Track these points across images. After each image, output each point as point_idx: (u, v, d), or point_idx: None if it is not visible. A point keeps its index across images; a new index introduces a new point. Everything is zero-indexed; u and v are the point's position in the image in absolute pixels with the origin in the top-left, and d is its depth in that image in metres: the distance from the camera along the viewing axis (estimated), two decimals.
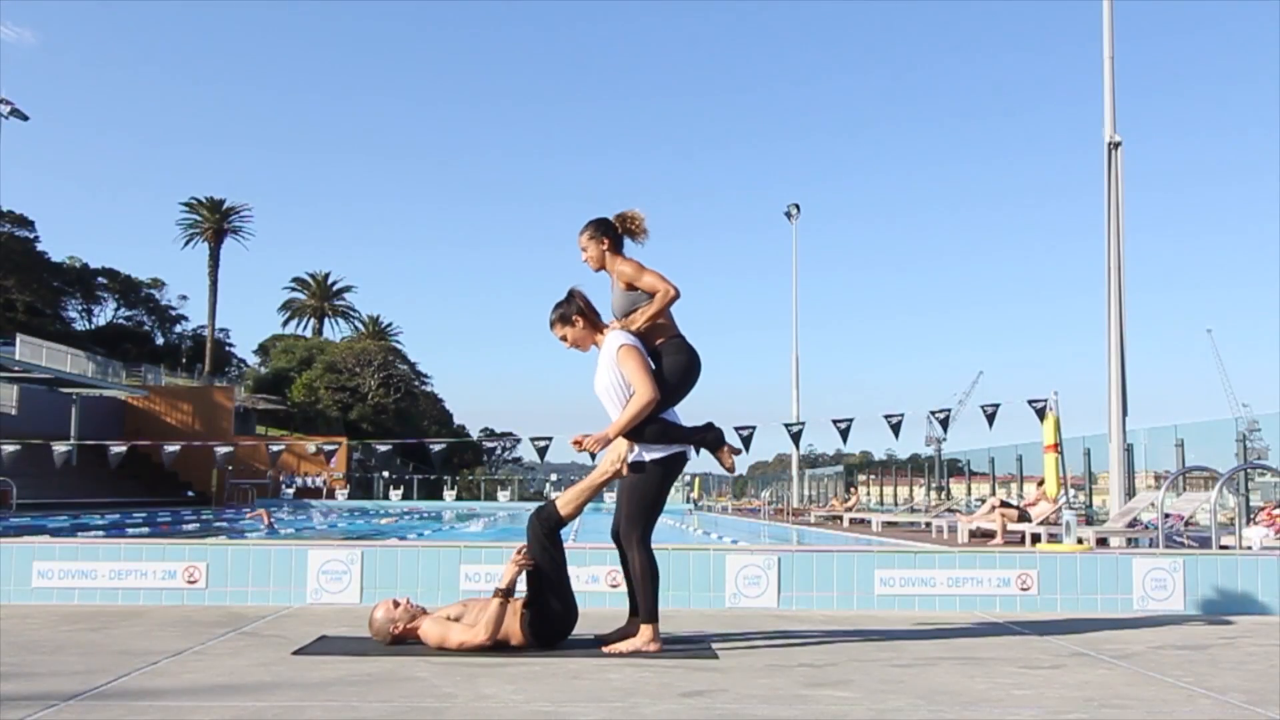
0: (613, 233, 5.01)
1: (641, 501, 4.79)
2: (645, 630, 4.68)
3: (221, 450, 25.03)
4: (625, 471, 4.82)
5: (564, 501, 4.83)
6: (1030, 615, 6.19)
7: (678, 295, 4.87)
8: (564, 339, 4.94)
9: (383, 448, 21.84)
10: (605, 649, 4.62)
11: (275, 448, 27.26)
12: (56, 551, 6.41)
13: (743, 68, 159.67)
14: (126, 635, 5.03)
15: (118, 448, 21.18)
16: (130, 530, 16.62)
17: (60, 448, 23.11)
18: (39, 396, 37.80)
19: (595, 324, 4.93)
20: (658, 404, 4.70)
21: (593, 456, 4.79)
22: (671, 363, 4.84)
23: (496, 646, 4.60)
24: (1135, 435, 18.11)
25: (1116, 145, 13.58)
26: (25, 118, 36.13)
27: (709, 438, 4.93)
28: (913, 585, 6.43)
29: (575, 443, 4.79)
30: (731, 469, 5.10)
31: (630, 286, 4.90)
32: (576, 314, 4.90)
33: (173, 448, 22.05)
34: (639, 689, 3.80)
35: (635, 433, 4.73)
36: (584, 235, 5.01)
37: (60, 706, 3.38)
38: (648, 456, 4.77)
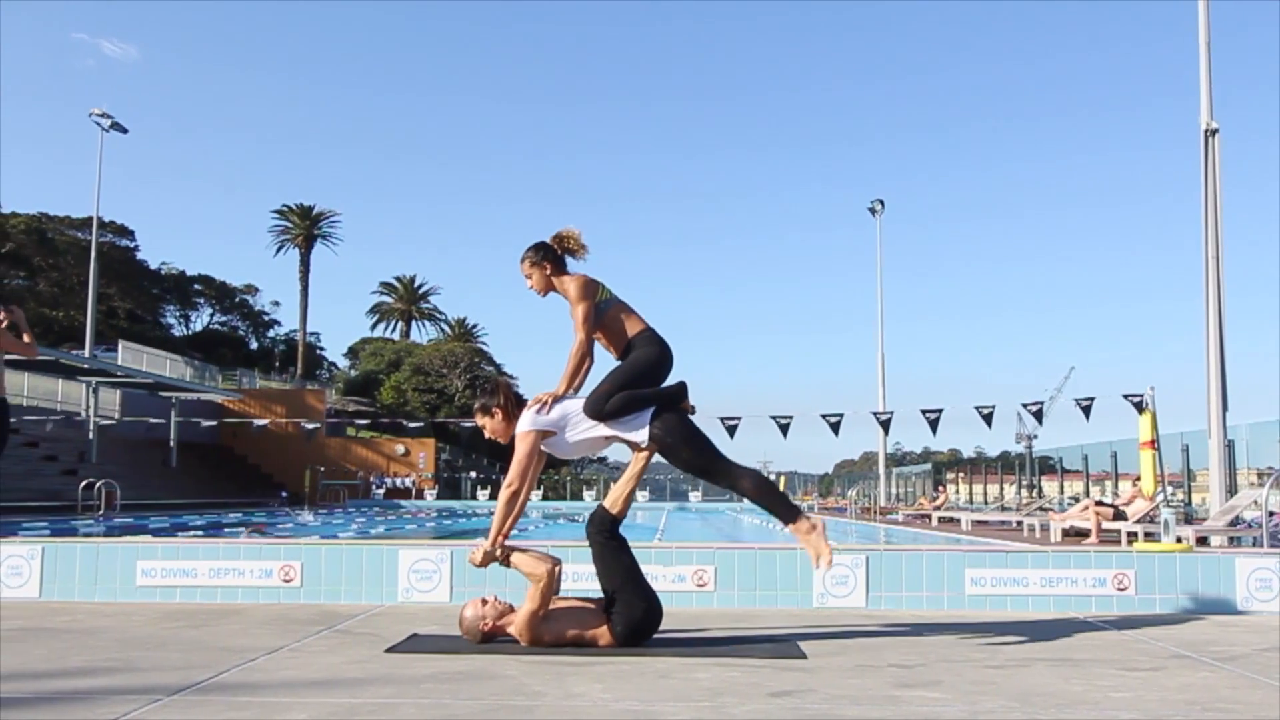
0: (552, 255, 5.08)
1: (696, 442, 4.83)
2: (801, 525, 4.76)
3: (309, 425, 26.17)
4: (655, 452, 4.85)
5: (611, 501, 4.95)
6: (1128, 616, 6.03)
7: (587, 348, 4.94)
8: (484, 427, 5.03)
9: (469, 423, 22.73)
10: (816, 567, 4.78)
11: (363, 434, 28.06)
12: (159, 551, 6.61)
13: (832, 64, 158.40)
14: (225, 633, 5.16)
15: (208, 422, 22.60)
16: (227, 530, 17.06)
17: (153, 419, 24.57)
18: (140, 400, 39.03)
19: (514, 414, 4.97)
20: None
21: (505, 562, 4.79)
22: (642, 355, 4.92)
23: (584, 645, 4.63)
24: (1236, 431, 17.55)
25: (1214, 132, 13.18)
26: (125, 130, 37.46)
27: (670, 392, 4.95)
28: (1005, 585, 6.31)
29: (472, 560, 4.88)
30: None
31: None
32: (496, 407, 4.98)
33: (261, 421, 23.44)
34: (727, 688, 3.79)
35: (598, 411, 4.77)
36: (524, 263, 5.08)
37: (164, 701, 3.48)
38: (643, 432, 4.79)
